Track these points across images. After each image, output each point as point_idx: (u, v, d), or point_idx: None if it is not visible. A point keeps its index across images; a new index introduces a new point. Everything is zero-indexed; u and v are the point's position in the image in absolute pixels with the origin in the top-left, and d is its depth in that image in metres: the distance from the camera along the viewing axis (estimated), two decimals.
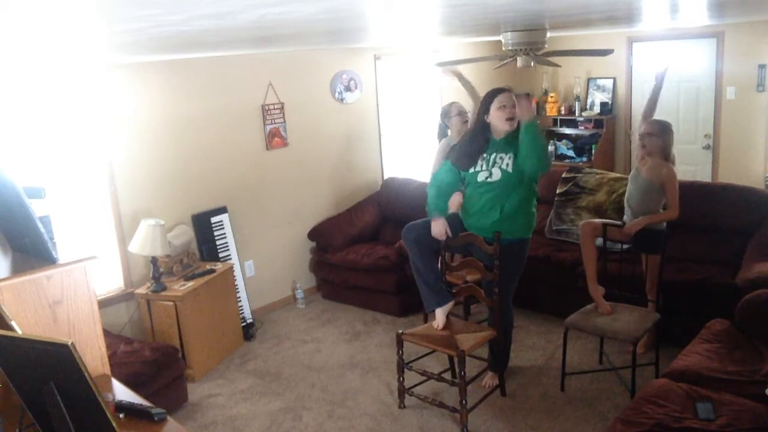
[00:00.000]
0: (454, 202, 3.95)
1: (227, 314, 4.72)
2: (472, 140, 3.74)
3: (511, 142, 3.64)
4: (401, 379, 3.85)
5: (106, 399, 1.98)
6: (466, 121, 4.78)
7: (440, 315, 3.81)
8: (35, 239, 2.54)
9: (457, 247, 3.92)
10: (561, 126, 7.44)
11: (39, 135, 4.06)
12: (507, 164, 3.62)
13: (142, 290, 4.41)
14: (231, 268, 4.82)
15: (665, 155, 3.96)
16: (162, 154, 4.69)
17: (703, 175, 6.64)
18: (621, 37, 6.90)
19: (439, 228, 3.74)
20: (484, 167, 3.68)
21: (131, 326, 4.53)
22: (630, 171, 7.05)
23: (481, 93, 4.92)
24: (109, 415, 1.71)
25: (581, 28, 5.06)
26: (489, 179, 3.65)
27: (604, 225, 4.10)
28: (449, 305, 3.84)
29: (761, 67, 6.17)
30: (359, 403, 3.98)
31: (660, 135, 3.94)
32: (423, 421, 3.73)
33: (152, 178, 4.65)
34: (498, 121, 3.63)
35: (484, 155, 3.68)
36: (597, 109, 7.26)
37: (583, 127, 7.28)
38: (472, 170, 3.70)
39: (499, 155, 3.65)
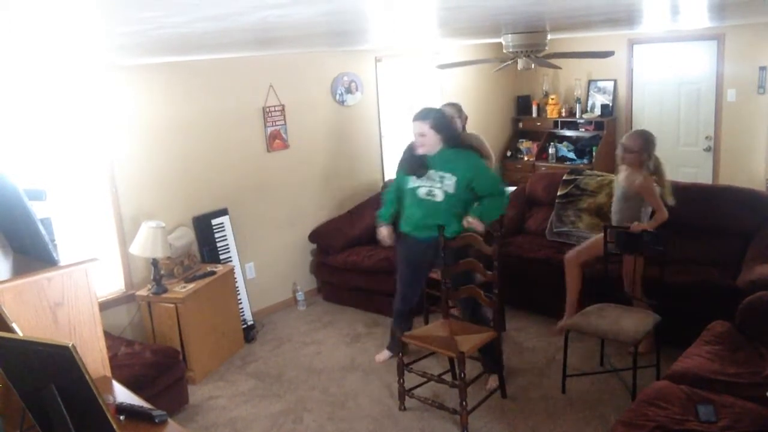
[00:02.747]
0: (384, 234, 4.21)
1: (228, 316, 4.72)
2: (410, 149, 3.99)
3: (449, 161, 3.81)
4: (401, 380, 3.84)
5: (107, 401, 1.98)
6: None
7: (384, 355, 4.39)
8: (36, 241, 2.54)
9: (452, 250, 3.95)
10: (561, 128, 7.44)
11: (40, 137, 4.06)
12: (449, 185, 3.80)
13: (142, 292, 4.41)
14: (232, 270, 4.82)
15: (641, 165, 4.10)
16: (163, 156, 4.69)
17: (704, 177, 6.64)
18: (622, 39, 6.91)
19: (384, 234, 4.17)
20: (423, 183, 3.87)
21: (132, 328, 4.53)
22: None
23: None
24: (109, 417, 1.71)
25: (582, 31, 5.07)
26: (432, 198, 3.85)
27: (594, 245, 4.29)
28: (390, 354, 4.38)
29: (762, 69, 6.17)
30: (360, 404, 3.98)
31: (639, 150, 4.06)
32: (423, 423, 3.72)
33: (153, 180, 4.66)
34: None
35: (425, 171, 3.87)
36: (598, 111, 7.26)
37: (583, 129, 7.29)
38: (411, 185, 3.90)
39: (439, 173, 3.82)
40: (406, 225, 4.05)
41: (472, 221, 3.78)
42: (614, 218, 4.26)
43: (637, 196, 4.09)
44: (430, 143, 3.82)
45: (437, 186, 3.83)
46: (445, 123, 3.85)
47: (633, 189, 4.07)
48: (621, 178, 4.19)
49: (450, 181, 3.80)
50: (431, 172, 3.84)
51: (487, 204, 3.83)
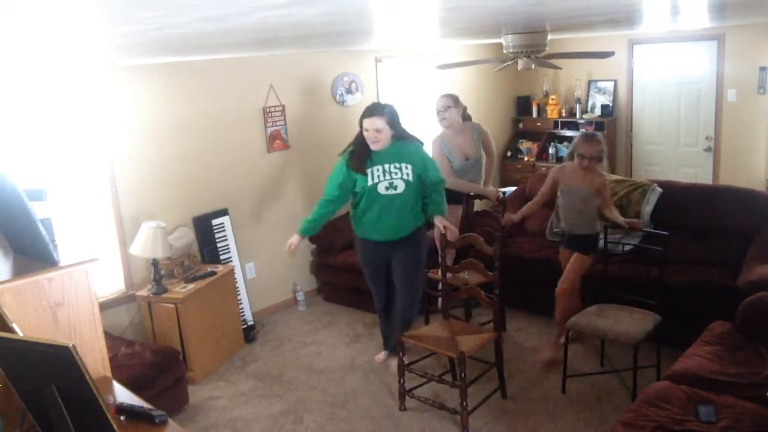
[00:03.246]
0: (292, 244, 4.05)
1: (228, 316, 4.72)
2: (360, 148, 3.92)
3: (401, 151, 3.88)
4: (402, 381, 3.85)
5: (107, 401, 1.98)
6: (444, 119, 4.75)
7: (383, 356, 4.39)
8: (36, 241, 2.54)
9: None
10: (562, 128, 7.44)
11: (40, 137, 4.06)
12: (407, 174, 3.87)
13: (143, 292, 4.41)
14: (232, 271, 4.82)
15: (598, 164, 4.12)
16: (163, 156, 4.69)
17: (704, 177, 6.64)
18: (622, 39, 6.90)
19: (292, 244, 4.02)
20: (382, 178, 3.87)
21: (132, 328, 4.53)
22: (631, 173, 7.11)
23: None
24: (110, 418, 1.71)
25: (582, 31, 5.07)
26: (394, 191, 3.88)
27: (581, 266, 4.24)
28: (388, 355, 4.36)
29: (762, 69, 6.17)
30: (360, 405, 3.98)
31: (600, 155, 4.03)
32: (424, 423, 3.72)
33: (153, 180, 4.66)
34: (366, 141, 3.86)
35: (376, 167, 3.86)
36: (598, 112, 7.26)
37: (583, 130, 7.27)
38: (370, 183, 3.86)
39: (395, 165, 3.87)
40: (363, 228, 4.05)
41: (445, 224, 3.87)
42: (574, 222, 4.17)
43: (593, 195, 4.09)
44: (386, 138, 3.84)
45: (396, 177, 3.86)
46: (397, 117, 3.91)
47: (593, 188, 4.06)
48: (573, 180, 4.10)
49: (408, 170, 3.87)
50: (386, 165, 3.86)
51: (436, 199, 3.99)
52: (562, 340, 4.06)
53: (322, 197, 4.06)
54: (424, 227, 4.12)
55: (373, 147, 3.85)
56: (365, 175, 3.88)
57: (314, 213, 4.04)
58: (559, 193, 4.23)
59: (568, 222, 4.23)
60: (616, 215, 4.15)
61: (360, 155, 3.88)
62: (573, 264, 4.16)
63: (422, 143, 4.07)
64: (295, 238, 4.03)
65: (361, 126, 3.88)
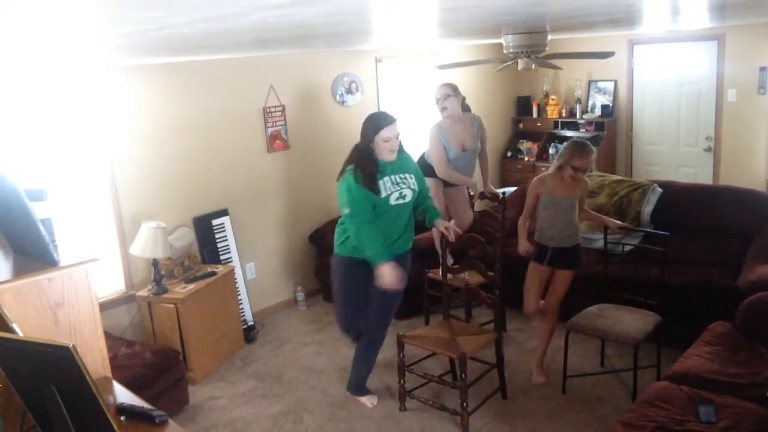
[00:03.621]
0: (390, 273, 3.61)
1: (228, 317, 4.72)
2: (366, 162, 3.66)
3: (402, 162, 3.78)
4: (402, 381, 3.84)
5: (107, 401, 1.98)
6: (444, 108, 4.67)
7: (368, 400, 4.02)
8: (36, 241, 2.54)
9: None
10: (562, 128, 7.44)
11: (40, 137, 4.06)
12: (413, 183, 3.77)
13: (143, 293, 4.41)
14: (232, 271, 4.82)
15: None
16: (163, 156, 4.69)
17: (705, 178, 6.64)
18: (622, 39, 6.91)
19: (395, 272, 3.55)
20: (392, 189, 3.68)
21: (132, 329, 4.53)
22: (631, 174, 7.11)
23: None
24: (110, 418, 1.71)
25: (582, 31, 5.07)
26: (403, 200, 3.72)
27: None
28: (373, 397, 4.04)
29: (762, 69, 6.17)
30: (360, 405, 3.97)
31: (591, 164, 3.89)
32: (424, 424, 3.72)
33: (153, 180, 4.66)
34: (382, 152, 3.65)
35: (385, 178, 3.67)
36: (598, 112, 7.26)
37: (584, 130, 7.28)
38: (382, 196, 3.63)
39: (400, 175, 3.73)
40: (353, 245, 3.73)
41: (446, 225, 3.75)
42: (564, 233, 3.92)
43: (577, 203, 3.94)
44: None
45: (404, 186, 3.71)
46: None
47: (579, 193, 3.93)
48: (561, 191, 3.88)
49: (412, 179, 3.76)
50: (393, 176, 3.69)
51: (431, 206, 3.91)
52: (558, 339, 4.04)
53: (363, 222, 3.61)
54: (410, 252, 3.90)
55: (390, 157, 3.64)
56: (376, 190, 3.64)
57: (376, 239, 3.60)
58: (541, 207, 3.99)
59: (557, 235, 3.94)
60: (604, 218, 4.12)
61: (369, 170, 3.62)
62: (562, 282, 3.96)
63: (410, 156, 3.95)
64: (389, 265, 3.56)
65: (368, 138, 3.63)
